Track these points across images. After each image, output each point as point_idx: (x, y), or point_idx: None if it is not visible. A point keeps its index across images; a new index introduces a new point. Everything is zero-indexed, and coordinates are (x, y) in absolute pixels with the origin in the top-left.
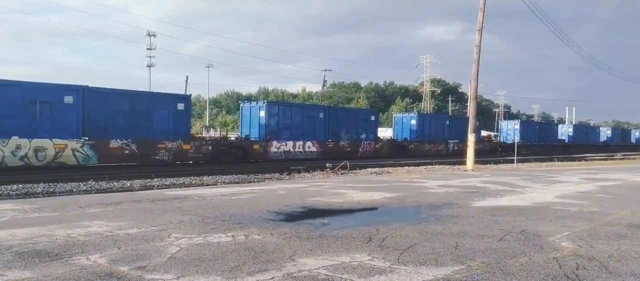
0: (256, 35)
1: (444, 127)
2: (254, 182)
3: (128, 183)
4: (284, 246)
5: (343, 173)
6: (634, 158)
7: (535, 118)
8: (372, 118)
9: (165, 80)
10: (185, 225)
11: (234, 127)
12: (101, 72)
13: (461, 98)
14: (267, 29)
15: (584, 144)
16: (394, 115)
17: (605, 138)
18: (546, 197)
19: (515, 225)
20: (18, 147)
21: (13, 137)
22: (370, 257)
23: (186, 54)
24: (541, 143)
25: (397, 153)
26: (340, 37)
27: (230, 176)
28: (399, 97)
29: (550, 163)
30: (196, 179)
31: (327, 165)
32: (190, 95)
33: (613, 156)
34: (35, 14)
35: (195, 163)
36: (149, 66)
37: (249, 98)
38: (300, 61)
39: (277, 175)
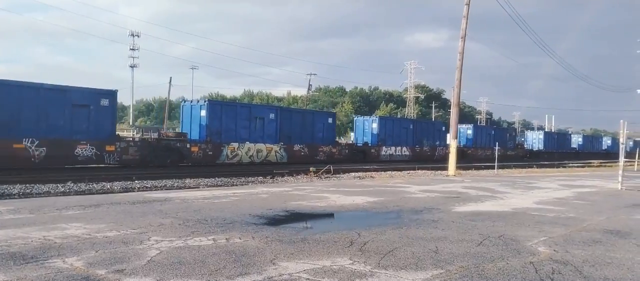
0: (246, 38)
1: (490, 136)
2: (237, 185)
3: (108, 185)
4: (265, 249)
5: (327, 178)
6: (610, 166)
7: (516, 126)
8: (443, 129)
9: (148, 81)
10: (165, 228)
11: None
12: (85, 72)
13: (444, 105)
14: (257, 33)
15: (591, 151)
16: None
17: (606, 147)
18: (525, 202)
19: (494, 230)
20: (249, 149)
21: (246, 142)
22: (351, 261)
23: (173, 55)
24: (559, 150)
25: (459, 156)
26: (329, 41)
27: (213, 179)
28: (383, 102)
29: (529, 169)
30: (178, 181)
31: (311, 169)
32: (335, 112)
33: (590, 163)
34: (19, 12)
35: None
36: (132, 67)
37: (362, 113)
38: (287, 65)
39: (260, 178)
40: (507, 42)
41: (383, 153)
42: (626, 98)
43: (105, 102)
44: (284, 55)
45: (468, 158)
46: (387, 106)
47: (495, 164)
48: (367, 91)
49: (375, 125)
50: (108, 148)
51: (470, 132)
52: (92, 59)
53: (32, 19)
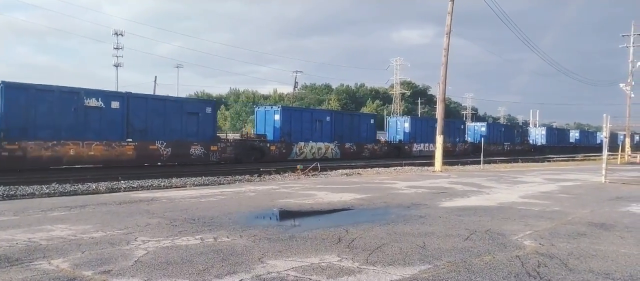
0: (232, 36)
1: (501, 133)
2: (223, 184)
3: (93, 186)
4: (253, 248)
5: (314, 175)
6: (594, 159)
7: (501, 121)
8: (462, 126)
9: (134, 80)
10: (152, 228)
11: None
12: (69, 71)
13: (430, 101)
14: (243, 31)
15: (587, 145)
16: (467, 124)
17: (599, 141)
18: (510, 197)
19: (480, 224)
20: (312, 147)
21: (309, 142)
22: (340, 258)
23: (158, 54)
24: (559, 145)
25: (475, 151)
26: (315, 39)
27: (200, 178)
28: (369, 99)
29: (514, 164)
30: (164, 181)
31: (298, 166)
32: (376, 114)
33: (575, 157)
34: (0, 11)
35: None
36: (116, 66)
37: (393, 115)
38: (274, 63)
39: (247, 176)
40: (492, 38)
41: (415, 149)
42: (610, 93)
43: (208, 109)
44: (271, 53)
45: (482, 153)
46: (373, 103)
47: (481, 159)
48: (353, 88)
49: (407, 125)
50: (212, 148)
51: (484, 129)
52: (76, 58)
53: (13, 19)
